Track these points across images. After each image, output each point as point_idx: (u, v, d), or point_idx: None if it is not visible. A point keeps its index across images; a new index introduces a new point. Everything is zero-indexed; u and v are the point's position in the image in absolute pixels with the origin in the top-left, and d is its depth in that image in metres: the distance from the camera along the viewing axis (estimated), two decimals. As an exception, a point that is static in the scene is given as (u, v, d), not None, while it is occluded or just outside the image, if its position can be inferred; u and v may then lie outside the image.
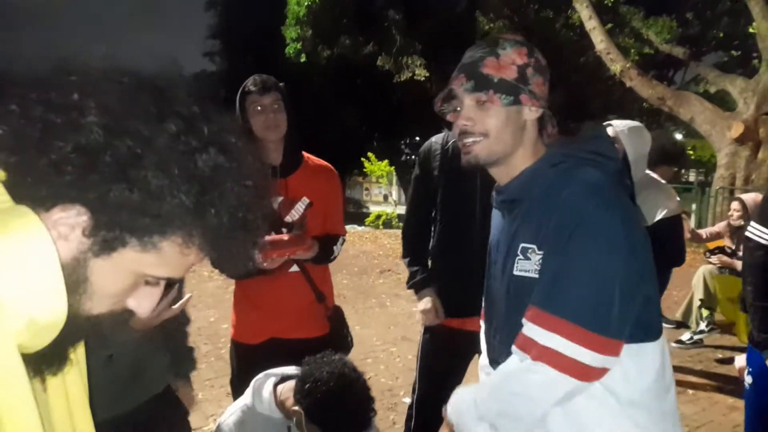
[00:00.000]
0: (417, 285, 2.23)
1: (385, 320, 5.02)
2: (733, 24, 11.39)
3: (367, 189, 27.30)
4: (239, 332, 2.17)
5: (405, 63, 13.23)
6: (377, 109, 17.31)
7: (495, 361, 1.22)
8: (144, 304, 0.67)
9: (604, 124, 2.73)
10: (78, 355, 0.72)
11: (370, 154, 10.74)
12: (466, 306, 2.06)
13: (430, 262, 2.32)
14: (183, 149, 0.59)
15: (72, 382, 0.70)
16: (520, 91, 1.12)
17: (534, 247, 1.09)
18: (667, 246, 2.47)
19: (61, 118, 0.56)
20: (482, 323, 1.42)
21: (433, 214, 2.24)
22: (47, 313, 0.57)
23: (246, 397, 1.70)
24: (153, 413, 1.45)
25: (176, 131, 0.59)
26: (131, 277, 0.63)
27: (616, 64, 9.30)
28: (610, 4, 10.76)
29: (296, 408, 1.55)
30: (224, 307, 4.90)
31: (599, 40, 9.51)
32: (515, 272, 1.13)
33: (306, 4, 12.64)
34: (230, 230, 0.63)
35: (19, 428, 0.55)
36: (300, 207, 2.13)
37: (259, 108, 2.01)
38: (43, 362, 0.62)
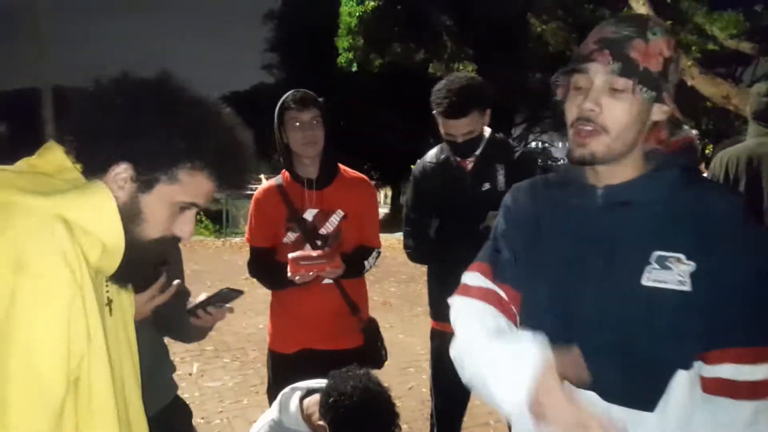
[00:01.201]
0: None
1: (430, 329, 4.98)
2: (809, 15, 10.64)
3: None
4: (274, 341, 2.23)
5: (456, 69, 13.14)
6: (430, 116, 17.27)
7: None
8: (185, 228, 0.98)
9: None
10: (131, 294, 1.07)
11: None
12: None
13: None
14: (177, 113, 0.91)
15: (128, 314, 1.05)
16: (661, 86, 0.99)
17: (680, 256, 1.00)
18: None
19: (108, 120, 0.90)
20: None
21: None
22: (112, 240, 0.89)
23: (273, 412, 1.72)
24: (164, 425, 1.49)
25: (170, 106, 0.92)
26: (169, 206, 0.94)
27: (676, 63, 8.88)
28: (669, 1, 10.31)
29: (321, 422, 1.57)
30: (274, 314, 5.01)
31: (658, 38, 9.11)
32: (645, 282, 1.01)
33: (357, 14, 12.79)
34: (222, 159, 0.95)
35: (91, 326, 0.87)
36: (335, 219, 2.16)
37: (297, 124, 2.06)
38: (125, 277, 0.96)
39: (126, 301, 1.05)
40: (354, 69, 13.64)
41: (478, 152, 2.14)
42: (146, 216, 0.93)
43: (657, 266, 1.01)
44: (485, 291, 1.19)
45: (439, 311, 2.25)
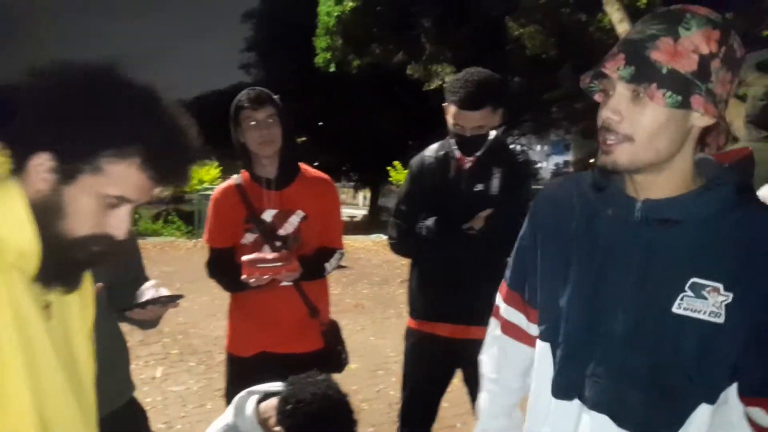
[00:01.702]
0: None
1: (401, 331, 4.94)
2: (778, 23, 10.89)
3: (400, 197, 27.22)
4: (232, 344, 2.18)
5: (435, 71, 13.17)
6: (409, 118, 17.32)
7: (582, 397, 1.04)
8: (118, 225, 0.90)
9: None
10: (86, 296, 1.02)
11: (396, 162, 10.77)
12: (436, 310, 2.12)
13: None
14: (101, 97, 0.85)
15: (76, 317, 0.98)
16: (693, 89, 0.87)
17: (718, 286, 0.92)
18: None
19: (27, 109, 0.85)
20: (548, 346, 1.11)
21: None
22: (22, 241, 0.84)
23: (227, 416, 1.68)
24: (116, 428, 1.44)
25: (93, 91, 0.85)
26: (95, 200, 0.86)
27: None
28: (644, 7, 10.46)
29: (278, 428, 1.53)
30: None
31: (631, 43, 9.24)
32: (676, 310, 0.94)
33: (336, 14, 12.75)
34: (156, 149, 0.87)
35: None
36: (294, 220, 2.11)
37: (253, 123, 2.00)
38: (51, 278, 0.88)
39: (75, 305, 0.98)
40: (332, 69, 13.59)
41: (479, 153, 2.11)
42: (70, 210, 0.86)
43: (691, 294, 0.93)
44: (512, 326, 1.23)
45: (417, 309, 2.22)
